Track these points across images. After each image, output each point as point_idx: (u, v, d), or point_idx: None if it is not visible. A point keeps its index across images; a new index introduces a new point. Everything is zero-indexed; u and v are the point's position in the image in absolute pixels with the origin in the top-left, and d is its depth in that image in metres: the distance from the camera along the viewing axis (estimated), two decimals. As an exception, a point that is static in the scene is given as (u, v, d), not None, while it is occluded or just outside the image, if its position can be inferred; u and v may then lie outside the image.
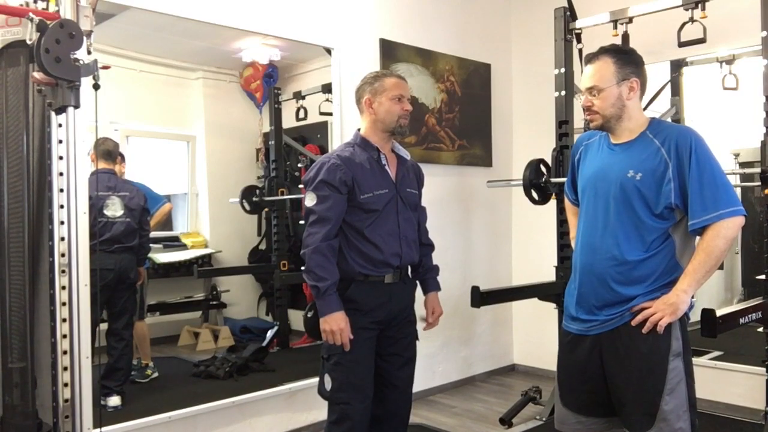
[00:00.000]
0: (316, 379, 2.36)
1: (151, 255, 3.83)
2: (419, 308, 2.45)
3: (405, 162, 2.41)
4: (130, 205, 3.43)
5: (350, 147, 2.33)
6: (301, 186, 4.16)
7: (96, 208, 3.26)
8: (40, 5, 1.99)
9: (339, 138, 3.55)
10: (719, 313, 2.41)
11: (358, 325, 2.22)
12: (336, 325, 2.14)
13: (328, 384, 2.23)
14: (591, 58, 2.02)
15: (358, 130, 2.37)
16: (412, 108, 2.36)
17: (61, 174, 2.07)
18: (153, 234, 3.80)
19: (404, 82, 2.36)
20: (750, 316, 2.72)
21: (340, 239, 2.25)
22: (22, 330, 2.07)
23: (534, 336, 4.61)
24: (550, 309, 3.56)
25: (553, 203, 3.55)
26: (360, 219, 2.24)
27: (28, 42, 1.83)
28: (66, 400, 2.05)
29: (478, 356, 4.53)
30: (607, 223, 1.98)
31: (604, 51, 2.01)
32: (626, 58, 1.99)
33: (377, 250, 2.24)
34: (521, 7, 4.69)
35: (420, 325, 2.47)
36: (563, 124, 3.50)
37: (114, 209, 3.37)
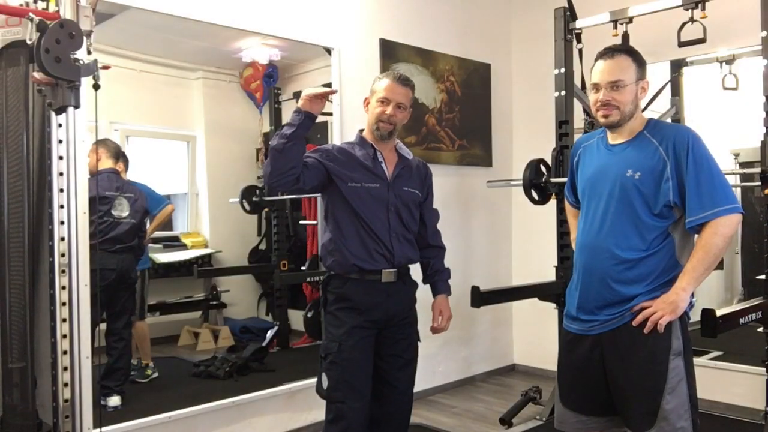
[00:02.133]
0: (315, 379, 2.36)
1: (151, 255, 3.84)
2: (421, 310, 2.44)
3: (407, 161, 2.40)
4: (134, 206, 3.45)
5: (349, 144, 2.36)
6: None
7: (104, 207, 3.28)
8: (40, 5, 2.00)
9: (339, 138, 3.55)
10: (719, 313, 2.41)
11: (354, 324, 2.22)
12: (302, 99, 2.11)
13: (324, 383, 2.23)
14: (608, 54, 1.99)
15: (360, 130, 2.38)
16: (399, 114, 2.28)
17: (61, 174, 2.07)
18: (154, 234, 3.81)
19: (400, 85, 2.28)
20: (750, 316, 2.73)
21: (333, 233, 2.26)
22: (22, 330, 2.07)
23: (534, 336, 4.61)
24: (550, 309, 3.55)
25: (553, 203, 3.55)
26: (352, 210, 2.24)
27: (28, 42, 1.83)
28: (66, 400, 2.05)
29: (478, 356, 4.53)
30: (607, 222, 1.98)
31: (619, 50, 2.00)
32: (640, 60, 2.01)
33: (371, 239, 2.24)
34: (521, 7, 4.69)
35: (428, 328, 2.46)
36: (563, 124, 3.50)
37: (121, 209, 3.40)
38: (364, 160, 2.29)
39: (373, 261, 2.25)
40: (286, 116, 4.20)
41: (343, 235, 2.25)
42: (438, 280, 2.48)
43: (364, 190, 2.26)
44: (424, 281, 2.50)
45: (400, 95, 2.28)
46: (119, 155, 3.54)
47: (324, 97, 2.13)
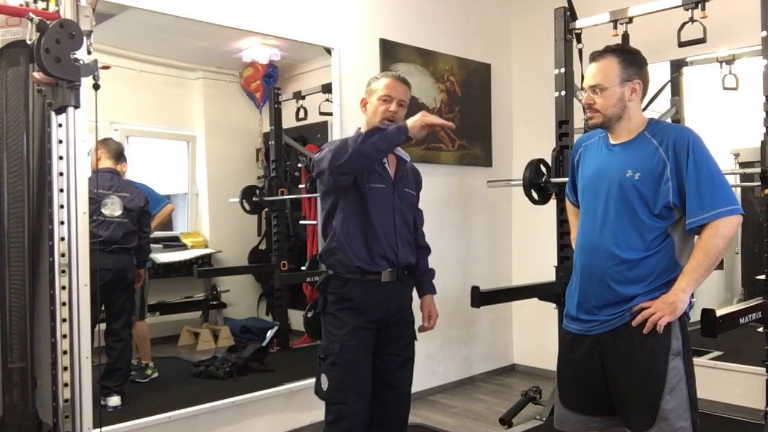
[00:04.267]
0: (315, 379, 2.36)
1: (151, 255, 3.83)
2: (417, 309, 2.45)
3: (404, 163, 2.41)
4: (129, 206, 3.41)
5: None
6: (301, 186, 4.19)
7: (92, 206, 3.26)
8: (40, 5, 1.99)
9: (339, 138, 3.55)
10: (719, 313, 2.41)
11: (355, 325, 2.21)
12: (415, 122, 2.09)
13: (324, 384, 2.23)
14: (596, 57, 2.03)
15: (359, 128, 2.38)
16: (400, 111, 2.29)
17: (61, 174, 2.07)
18: (153, 234, 3.80)
19: (400, 83, 2.30)
20: (750, 316, 2.73)
21: (339, 233, 2.25)
22: (22, 330, 2.07)
23: (534, 336, 4.61)
24: (550, 309, 3.56)
25: (553, 203, 3.55)
26: (359, 209, 2.24)
27: (28, 42, 1.83)
28: (66, 400, 2.05)
29: (478, 356, 4.53)
30: (606, 222, 1.98)
31: (610, 50, 2.02)
32: (631, 59, 2.00)
33: (375, 241, 2.24)
34: (521, 7, 4.69)
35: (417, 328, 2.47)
36: (563, 124, 3.50)
37: (112, 209, 3.36)
38: None
39: (375, 264, 2.25)
40: (286, 116, 4.24)
41: (349, 236, 2.24)
42: (425, 280, 2.52)
43: (373, 190, 2.25)
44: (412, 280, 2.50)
45: (401, 92, 2.30)
46: (120, 156, 3.52)
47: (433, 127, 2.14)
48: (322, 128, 3.94)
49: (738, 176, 3.54)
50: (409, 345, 2.38)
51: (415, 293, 2.48)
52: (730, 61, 3.73)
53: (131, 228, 3.42)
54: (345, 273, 2.25)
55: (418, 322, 2.46)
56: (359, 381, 2.22)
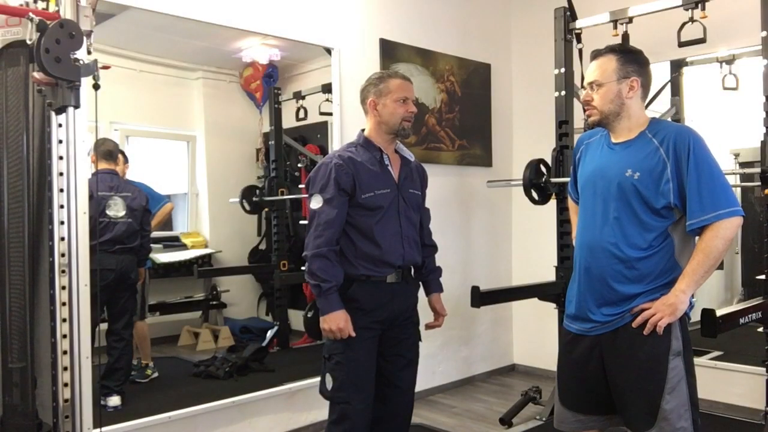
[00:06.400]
0: (316, 379, 2.36)
1: (151, 255, 3.83)
2: (422, 309, 2.45)
3: (409, 163, 2.41)
4: (132, 206, 3.42)
5: (352, 147, 2.34)
6: (301, 186, 4.18)
7: (98, 208, 3.26)
8: (40, 5, 2.00)
9: (339, 138, 3.55)
10: (719, 313, 2.41)
11: (360, 325, 2.21)
12: (335, 324, 2.15)
13: (329, 383, 2.23)
14: (596, 55, 2.04)
15: (362, 130, 2.37)
16: (417, 110, 2.36)
17: (61, 174, 2.07)
18: (153, 234, 3.80)
19: (409, 83, 2.34)
20: (750, 316, 2.73)
21: (343, 244, 2.24)
22: (22, 330, 2.07)
23: (534, 336, 4.61)
24: (550, 309, 3.56)
25: (553, 203, 3.55)
26: (363, 218, 2.24)
27: (28, 42, 1.83)
28: (66, 400, 2.05)
29: (478, 356, 4.53)
30: (606, 221, 1.98)
31: (610, 49, 2.02)
32: (629, 57, 2.00)
33: (379, 250, 2.24)
34: (521, 7, 4.69)
35: (422, 325, 2.47)
36: (563, 124, 3.50)
37: (116, 209, 3.37)
38: (371, 165, 2.28)
39: (380, 271, 2.25)
40: (286, 116, 4.24)
41: (352, 245, 2.24)
42: (432, 279, 2.52)
43: (377, 197, 2.25)
44: (418, 279, 2.50)
45: (413, 92, 2.34)
46: (113, 155, 3.50)
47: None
48: (322, 128, 3.94)
49: (738, 176, 3.53)
50: (414, 346, 2.39)
51: (420, 292, 2.48)
52: (730, 61, 3.73)
53: (134, 228, 3.43)
54: (350, 277, 2.25)
55: (423, 321, 2.46)
56: (363, 381, 2.23)
